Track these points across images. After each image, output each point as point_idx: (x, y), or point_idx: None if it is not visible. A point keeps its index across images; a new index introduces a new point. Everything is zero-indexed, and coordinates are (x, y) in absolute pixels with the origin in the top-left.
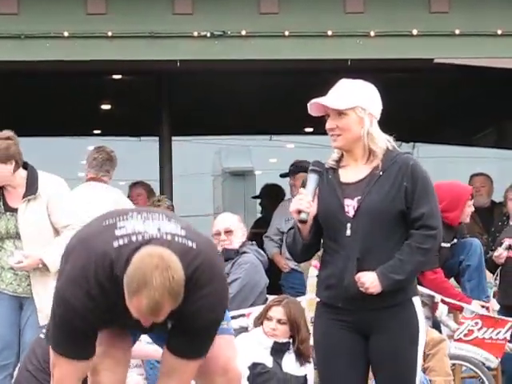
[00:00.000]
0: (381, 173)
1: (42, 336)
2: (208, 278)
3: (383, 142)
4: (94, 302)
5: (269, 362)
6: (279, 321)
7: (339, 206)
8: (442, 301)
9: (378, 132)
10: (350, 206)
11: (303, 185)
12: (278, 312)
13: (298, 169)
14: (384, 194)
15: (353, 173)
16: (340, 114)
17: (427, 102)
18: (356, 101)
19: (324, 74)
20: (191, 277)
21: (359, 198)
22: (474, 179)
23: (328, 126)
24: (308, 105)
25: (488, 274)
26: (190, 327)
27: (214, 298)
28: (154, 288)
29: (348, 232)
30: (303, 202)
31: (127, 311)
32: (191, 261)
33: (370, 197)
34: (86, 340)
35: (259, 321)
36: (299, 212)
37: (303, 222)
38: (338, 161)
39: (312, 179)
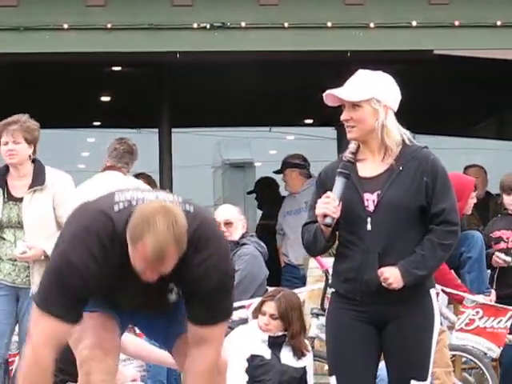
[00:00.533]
0: (401, 167)
1: None
2: (208, 237)
3: (398, 135)
4: (95, 261)
5: (267, 354)
6: (271, 316)
7: (359, 200)
8: (443, 291)
9: (393, 125)
10: (370, 200)
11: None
12: (270, 307)
13: (285, 165)
14: (405, 189)
15: (371, 167)
16: (354, 105)
17: (427, 93)
18: (371, 93)
19: (324, 66)
20: (192, 238)
21: (379, 192)
22: (469, 171)
23: (343, 117)
24: (324, 95)
25: None
26: (202, 293)
27: (218, 258)
28: (157, 231)
29: (369, 226)
30: (330, 206)
31: (128, 277)
32: (190, 222)
33: (391, 192)
34: (76, 303)
35: (255, 314)
36: (325, 216)
37: (329, 226)
38: (355, 153)
39: (339, 182)
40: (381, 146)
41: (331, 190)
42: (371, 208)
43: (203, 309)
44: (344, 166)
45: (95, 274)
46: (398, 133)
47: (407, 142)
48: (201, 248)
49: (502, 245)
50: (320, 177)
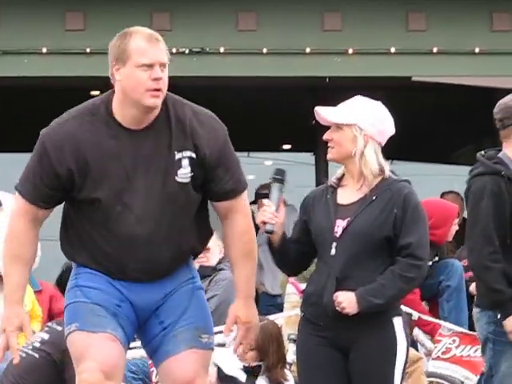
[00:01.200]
0: (374, 197)
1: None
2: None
3: (376, 166)
4: (78, 121)
5: (243, 378)
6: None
7: (330, 225)
8: (419, 319)
9: (371, 155)
10: (340, 226)
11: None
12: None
13: (257, 196)
14: (373, 218)
15: (349, 194)
16: (338, 127)
17: (406, 119)
18: (355, 119)
19: (302, 91)
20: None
21: (349, 219)
22: (445, 197)
23: (324, 136)
24: (314, 111)
25: None
26: (216, 156)
27: (211, 115)
28: (139, 28)
29: (333, 251)
30: (266, 213)
31: (119, 145)
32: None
33: (359, 219)
34: (49, 187)
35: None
36: (265, 223)
37: (270, 233)
38: (340, 179)
39: (275, 189)
40: (360, 174)
41: (313, 216)
42: (338, 234)
43: (226, 175)
44: (277, 171)
45: (72, 133)
46: (376, 164)
47: (386, 174)
48: (188, 106)
49: (471, 273)
50: (304, 202)
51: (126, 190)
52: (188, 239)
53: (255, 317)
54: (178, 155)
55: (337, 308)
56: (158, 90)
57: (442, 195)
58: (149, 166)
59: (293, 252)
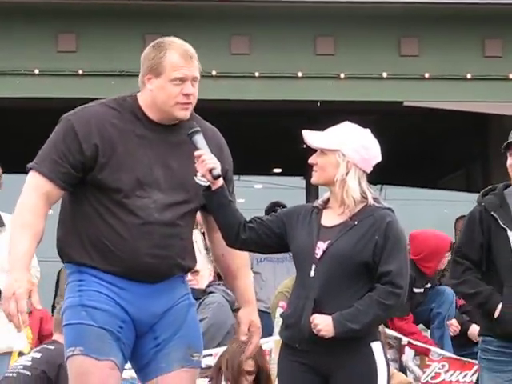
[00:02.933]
0: (356, 222)
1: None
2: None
3: (357, 193)
4: (105, 108)
5: None
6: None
7: (311, 246)
8: (409, 344)
9: (353, 182)
10: (321, 248)
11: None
12: (249, 365)
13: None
14: (353, 242)
15: (332, 216)
16: (322, 152)
17: (396, 144)
18: (339, 144)
19: (294, 115)
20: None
21: (330, 241)
22: (460, 222)
23: (310, 159)
24: (303, 135)
25: None
26: (228, 179)
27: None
28: (174, 41)
29: (312, 273)
30: (209, 160)
31: (143, 141)
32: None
33: (339, 243)
34: (67, 163)
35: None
36: (210, 171)
37: (219, 176)
38: (326, 201)
39: (198, 139)
40: (342, 199)
41: (295, 233)
42: (319, 256)
43: (232, 191)
44: (190, 124)
45: (99, 117)
46: (358, 191)
47: (369, 201)
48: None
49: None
50: (291, 211)
51: (147, 177)
52: (188, 247)
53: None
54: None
55: (313, 330)
56: (188, 103)
57: (457, 220)
58: (171, 159)
59: (241, 218)
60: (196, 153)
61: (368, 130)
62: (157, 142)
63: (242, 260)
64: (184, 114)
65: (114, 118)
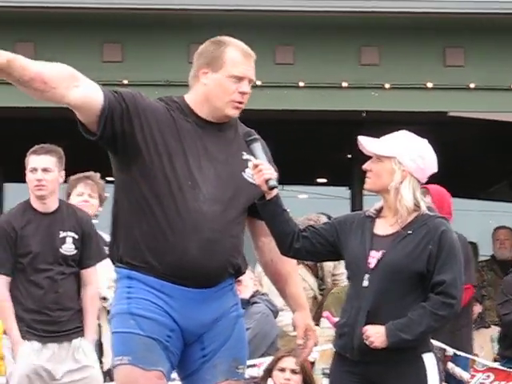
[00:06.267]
0: (409, 232)
1: None
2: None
3: (411, 202)
4: (157, 102)
5: None
6: (293, 371)
7: (364, 256)
8: (455, 355)
9: (407, 191)
10: (374, 257)
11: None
12: (290, 362)
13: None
14: (407, 252)
15: (386, 225)
16: (378, 158)
17: (441, 154)
18: (396, 152)
19: (338, 125)
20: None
21: (384, 251)
22: (498, 232)
23: (364, 165)
24: (358, 141)
25: None
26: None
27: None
28: (233, 39)
29: (365, 283)
30: (266, 170)
31: (197, 137)
32: None
33: (393, 252)
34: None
35: (268, 373)
36: (266, 181)
37: (275, 187)
38: (380, 211)
39: (256, 148)
40: (395, 208)
41: (349, 242)
42: (372, 265)
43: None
44: (248, 132)
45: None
46: (411, 200)
47: (422, 210)
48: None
49: None
50: (343, 220)
51: (197, 169)
52: (239, 247)
53: None
54: (245, 156)
55: (365, 341)
56: (241, 102)
57: (496, 230)
58: (220, 155)
59: (295, 227)
60: (254, 161)
61: (425, 140)
62: (206, 137)
63: (291, 265)
64: (234, 112)
65: (165, 112)
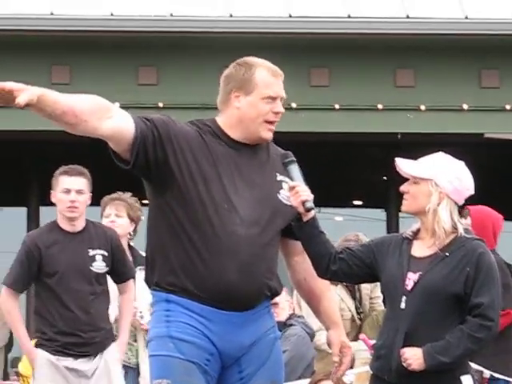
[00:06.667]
0: (447, 254)
1: None
2: None
3: (448, 224)
4: (189, 126)
5: None
6: None
7: (401, 277)
8: (493, 377)
9: (444, 213)
10: (411, 279)
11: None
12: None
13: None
14: (445, 274)
15: (422, 247)
16: (415, 180)
17: (478, 176)
18: (432, 174)
19: (373, 147)
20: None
21: (421, 273)
22: None
23: (401, 187)
24: (395, 162)
25: None
26: None
27: None
28: (258, 60)
29: (403, 305)
30: (302, 192)
31: (231, 161)
32: None
33: (431, 275)
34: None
35: None
36: (303, 203)
37: (312, 209)
38: (417, 233)
39: (294, 170)
40: (433, 230)
41: (386, 263)
42: (410, 287)
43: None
44: (285, 154)
45: (184, 131)
46: (449, 222)
47: (460, 232)
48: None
49: None
50: (380, 241)
51: (232, 192)
52: (273, 268)
53: None
54: (279, 177)
55: (403, 363)
56: (274, 122)
57: None
58: (255, 177)
59: (332, 249)
60: (290, 183)
61: (462, 162)
62: (240, 160)
63: (324, 283)
64: (269, 135)
65: (197, 136)
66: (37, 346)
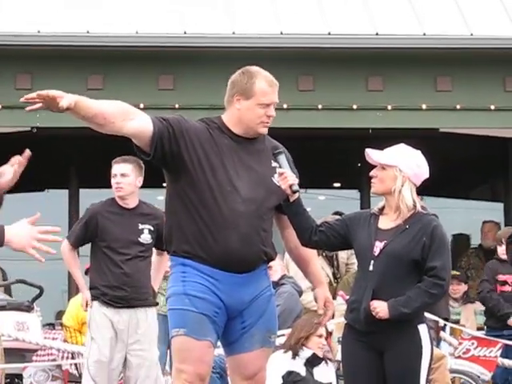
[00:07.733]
0: (407, 226)
1: None
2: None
3: (410, 202)
4: (199, 124)
5: (302, 371)
6: (325, 337)
7: (370, 245)
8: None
9: (407, 193)
10: (378, 247)
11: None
12: (323, 330)
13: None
14: (405, 243)
15: (387, 221)
16: (382, 167)
17: (434, 163)
18: (397, 162)
19: (349, 140)
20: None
21: (386, 242)
22: (484, 225)
23: (371, 172)
24: (366, 152)
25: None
26: None
27: None
28: (260, 71)
29: (371, 267)
30: (290, 176)
31: (230, 152)
32: None
33: (394, 243)
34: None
35: (298, 342)
36: (290, 187)
37: (297, 191)
38: (382, 209)
39: (282, 159)
40: (397, 207)
41: (358, 235)
42: (377, 253)
43: None
44: (275, 147)
45: (195, 129)
46: (411, 200)
47: (418, 208)
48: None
49: (507, 287)
50: (354, 215)
51: (234, 177)
52: (269, 238)
53: None
54: (273, 164)
55: (372, 313)
56: (268, 122)
57: (483, 223)
58: (253, 163)
59: (313, 223)
60: (279, 170)
61: (419, 152)
62: (240, 149)
63: (311, 250)
64: (265, 130)
65: (205, 132)
66: (92, 299)
